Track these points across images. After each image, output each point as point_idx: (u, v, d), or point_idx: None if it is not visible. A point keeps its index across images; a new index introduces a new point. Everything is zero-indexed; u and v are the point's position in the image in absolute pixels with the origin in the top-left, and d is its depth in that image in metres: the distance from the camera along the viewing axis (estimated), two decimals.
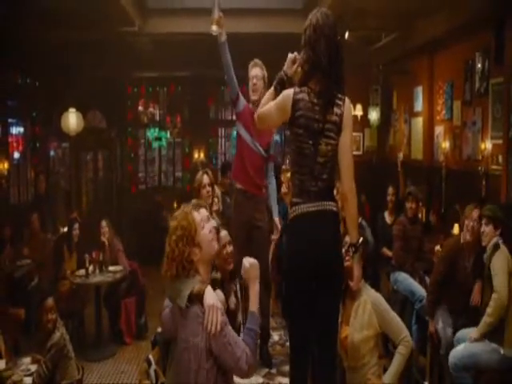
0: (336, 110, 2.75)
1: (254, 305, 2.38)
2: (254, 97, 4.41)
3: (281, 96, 2.76)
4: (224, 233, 3.32)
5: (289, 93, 2.74)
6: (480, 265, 4.16)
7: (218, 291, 2.87)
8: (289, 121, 2.74)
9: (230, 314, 3.03)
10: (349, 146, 2.80)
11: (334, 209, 2.77)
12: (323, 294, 2.74)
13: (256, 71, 4.38)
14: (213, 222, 2.48)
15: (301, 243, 2.74)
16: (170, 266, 2.30)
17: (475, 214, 4.25)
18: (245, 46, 7.98)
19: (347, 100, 2.82)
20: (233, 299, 3.17)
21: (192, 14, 7.29)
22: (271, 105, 2.79)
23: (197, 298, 2.23)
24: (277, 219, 4.57)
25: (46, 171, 9.31)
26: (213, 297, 2.24)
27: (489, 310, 3.63)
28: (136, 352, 6.09)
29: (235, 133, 4.65)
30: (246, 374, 2.32)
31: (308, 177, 2.73)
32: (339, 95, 2.79)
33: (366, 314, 2.95)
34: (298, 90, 2.74)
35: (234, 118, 4.64)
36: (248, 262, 2.44)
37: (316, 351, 2.83)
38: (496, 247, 3.78)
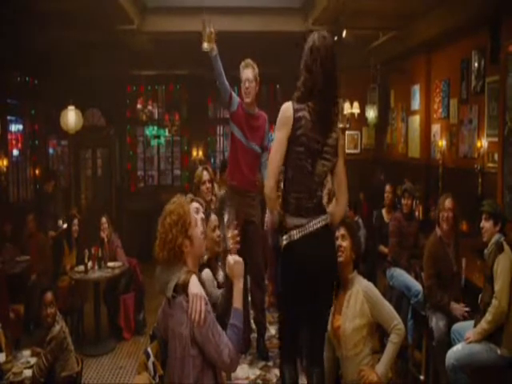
0: (334, 134, 2.81)
1: (237, 302, 2.40)
2: (247, 99, 4.44)
3: (281, 116, 2.78)
4: (214, 217, 3.39)
5: (288, 111, 2.75)
6: (460, 247, 4.44)
7: (207, 270, 2.93)
8: (289, 139, 2.76)
9: (220, 287, 3.08)
10: (344, 169, 2.94)
11: (328, 220, 2.87)
12: (320, 297, 2.88)
13: (247, 73, 4.39)
14: (204, 227, 2.52)
15: (305, 263, 2.80)
16: (162, 249, 2.34)
17: (448, 203, 4.35)
18: (243, 44, 8.03)
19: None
20: (220, 273, 3.21)
21: (191, 12, 7.32)
22: (275, 144, 2.82)
23: (182, 288, 2.28)
24: (268, 214, 4.63)
25: (53, 175, 9.30)
26: (197, 286, 2.28)
27: (488, 317, 3.62)
28: (134, 347, 6.12)
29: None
30: (228, 368, 2.36)
31: (305, 195, 2.79)
32: (334, 118, 2.84)
33: (357, 303, 3.00)
34: (297, 106, 2.75)
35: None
36: (233, 259, 2.46)
37: (308, 344, 2.92)
38: (499, 247, 3.73)
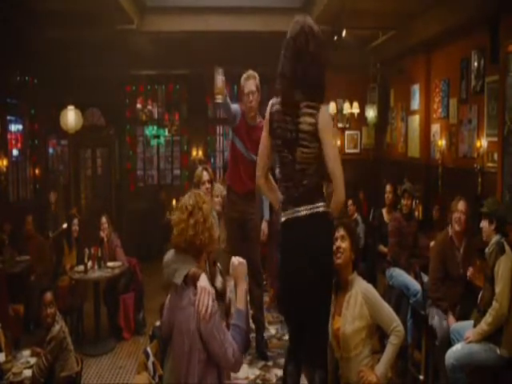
0: (309, 119, 2.73)
1: (241, 302, 2.43)
2: (251, 114, 4.44)
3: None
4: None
5: (268, 107, 2.87)
6: (470, 251, 4.40)
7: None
8: (270, 134, 2.87)
9: (219, 293, 3.08)
10: (332, 156, 2.76)
11: (321, 209, 2.82)
12: (310, 289, 2.85)
13: (250, 86, 4.37)
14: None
15: (288, 248, 2.86)
16: (197, 229, 2.34)
17: (461, 205, 4.35)
18: (244, 43, 8.05)
19: (323, 108, 2.77)
20: (219, 278, 3.21)
21: (190, 11, 7.34)
22: (261, 143, 2.94)
23: (192, 279, 2.30)
24: (265, 223, 4.66)
25: (56, 187, 9.33)
26: (206, 281, 2.31)
27: (488, 318, 3.62)
28: (134, 347, 6.12)
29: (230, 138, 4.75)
30: (232, 367, 2.36)
31: (290, 184, 2.82)
32: (311, 104, 2.74)
33: (357, 305, 2.99)
34: (274, 101, 2.85)
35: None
36: (237, 260, 2.48)
37: (307, 343, 2.93)
38: (501, 249, 3.71)
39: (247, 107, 4.40)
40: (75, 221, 6.78)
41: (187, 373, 2.28)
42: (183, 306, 2.30)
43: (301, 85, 2.72)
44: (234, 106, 4.41)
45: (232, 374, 4.09)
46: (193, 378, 2.27)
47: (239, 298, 2.43)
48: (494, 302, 3.62)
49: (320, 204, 2.82)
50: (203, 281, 2.30)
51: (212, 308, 2.24)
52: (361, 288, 3.03)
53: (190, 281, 2.30)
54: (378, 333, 3.26)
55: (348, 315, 3.00)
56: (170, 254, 2.47)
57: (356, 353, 2.98)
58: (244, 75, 4.42)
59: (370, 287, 3.08)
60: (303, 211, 2.80)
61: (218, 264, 3.29)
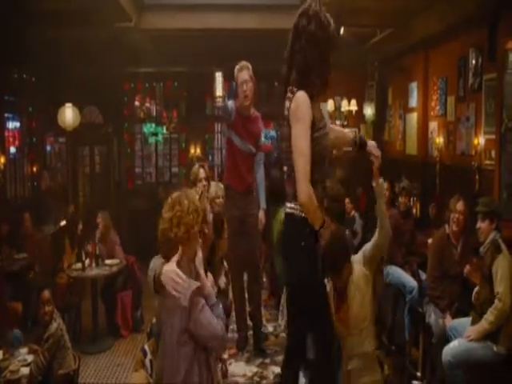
0: (287, 103, 2.55)
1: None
2: (246, 103, 4.43)
3: None
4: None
5: None
6: (467, 250, 4.38)
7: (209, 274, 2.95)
8: None
9: (221, 293, 3.06)
10: (294, 147, 2.48)
11: (289, 211, 2.61)
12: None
13: (244, 75, 4.36)
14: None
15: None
16: (172, 223, 2.32)
17: (459, 205, 4.34)
18: (242, 41, 8.03)
19: (298, 93, 2.50)
20: (223, 279, 3.19)
21: (188, 9, 7.32)
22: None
23: (159, 285, 2.25)
24: (262, 212, 4.65)
25: (46, 169, 9.33)
26: (168, 272, 2.23)
27: (490, 317, 3.62)
28: (132, 345, 6.13)
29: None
30: (219, 343, 2.33)
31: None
32: (293, 88, 2.54)
33: (356, 281, 3.01)
34: None
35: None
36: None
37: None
38: (497, 247, 3.72)
39: (242, 97, 4.40)
40: (81, 221, 6.77)
41: (176, 350, 2.25)
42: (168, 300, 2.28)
43: (294, 68, 2.57)
44: (229, 104, 4.41)
45: (229, 371, 4.10)
46: (184, 353, 2.25)
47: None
48: (496, 301, 3.61)
49: (290, 205, 2.60)
50: (164, 277, 2.23)
51: (179, 288, 2.18)
52: (359, 265, 3.05)
53: (158, 286, 2.26)
54: (376, 330, 3.27)
55: (352, 295, 3.00)
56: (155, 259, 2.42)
57: (363, 326, 2.97)
58: (237, 66, 4.42)
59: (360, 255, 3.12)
60: (285, 209, 2.67)
61: (225, 263, 3.27)
